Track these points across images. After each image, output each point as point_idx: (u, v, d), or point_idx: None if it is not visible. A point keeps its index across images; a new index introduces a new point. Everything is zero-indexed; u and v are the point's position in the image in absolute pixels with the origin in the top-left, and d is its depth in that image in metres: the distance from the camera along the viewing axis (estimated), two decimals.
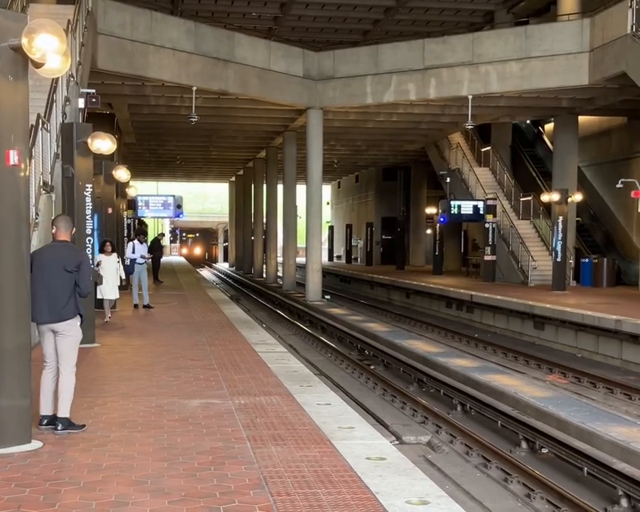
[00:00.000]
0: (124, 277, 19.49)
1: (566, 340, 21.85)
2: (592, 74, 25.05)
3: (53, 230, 8.42)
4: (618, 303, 23.29)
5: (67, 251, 8.09)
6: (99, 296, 17.07)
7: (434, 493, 6.07)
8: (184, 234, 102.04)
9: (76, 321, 8.03)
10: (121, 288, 19.29)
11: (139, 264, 21.73)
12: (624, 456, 9.81)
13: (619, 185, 28.40)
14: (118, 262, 18.19)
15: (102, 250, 17.58)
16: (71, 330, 7.97)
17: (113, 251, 17.93)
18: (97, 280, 15.90)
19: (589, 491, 9.85)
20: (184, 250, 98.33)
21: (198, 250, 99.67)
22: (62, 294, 7.89)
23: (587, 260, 31.28)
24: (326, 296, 34.27)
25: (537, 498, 9.51)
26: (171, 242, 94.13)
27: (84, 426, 7.94)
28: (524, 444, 11.73)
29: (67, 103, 16.67)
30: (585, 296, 25.95)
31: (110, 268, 17.69)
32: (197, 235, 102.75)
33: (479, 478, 10.56)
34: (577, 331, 21.25)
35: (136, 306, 21.20)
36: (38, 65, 7.25)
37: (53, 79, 14.49)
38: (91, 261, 14.78)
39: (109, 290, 17.67)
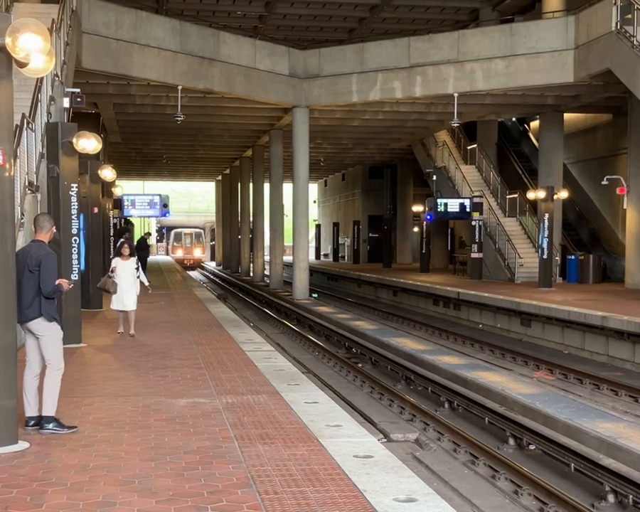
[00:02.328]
0: (147, 284, 16.96)
1: (553, 337, 21.91)
2: (577, 71, 25.15)
3: (33, 230, 8.41)
4: (604, 299, 23.38)
5: (33, 250, 8.01)
6: (114, 307, 15.46)
7: (421, 490, 6.07)
8: (179, 231, 77.24)
9: (47, 321, 7.93)
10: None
11: None
12: (610, 452, 9.85)
13: (604, 182, 28.53)
14: (137, 267, 15.66)
15: (118, 253, 15.72)
16: (44, 330, 7.91)
17: (132, 255, 15.60)
18: (111, 289, 14.81)
19: (577, 487, 9.88)
20: (179, 252, 74.22)
21: (198, 252, 75.52)
22: (26, 293, 7.85)
23: (573, 257, 31.38)
24: (314, 295, 34.26)
25: (525, 494, 9.54)
26: (158, 241, 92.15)
27: (75, 427, 7.91)
28: (511, 441, 11.76)
29: (52, 103, 16.60)
30: (571, 292, 26.03)
31: (127, 275, 15.30)
32: (198, 230, 79.37)
33: (467, 475, 10.58)
34: (564, 327, 21.32)
35: None
36: (22, 65, 7.21)
37: (38, 78, 14.41)
38: (77, 261, 14.76)
39: (126, 300, 15.27)
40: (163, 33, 25.50)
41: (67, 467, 6.71)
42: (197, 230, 78.22)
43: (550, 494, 9.28)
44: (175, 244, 76.01)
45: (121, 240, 16.99)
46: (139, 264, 15.93)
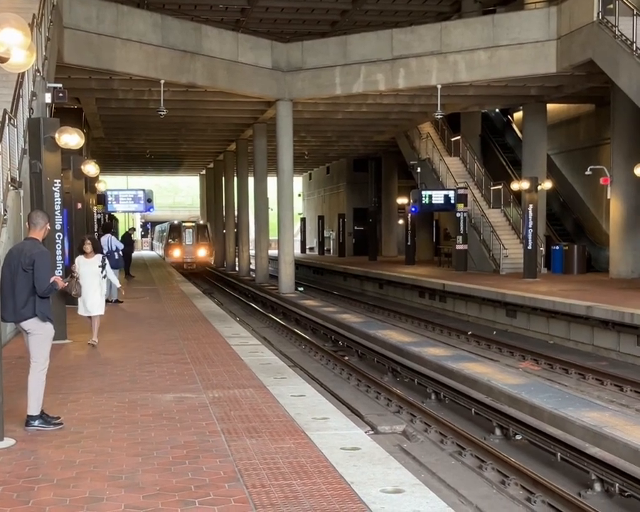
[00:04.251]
0: (118, 285, 15.80)
1: (538, 328, 21.99)
2: (560, 62, 25.21)
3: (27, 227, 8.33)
4: (588, 289, 23.47)
5: (27, 248, 7.95)
6: (80, 313, 13.81)
7: (408, 481, 6.08)
8: (175, 223, 54.88)
9: (41, 321, 7.88)
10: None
11: (117, 259, 21.67)
12: (596, 440, 9.89)
13: (587, 173, 28.62)
14: (103, 265, 13.68)
15: (80, 250, 13.95)
16: (38, 328, 7.87)
17: (96, 251, 13.71)
18: (72, 291, 11.26)
19: (563, 476, 9.92)
20: (176, 253, 51.93)
21: (202, 252, 52.28)
22: (21, 292, 7.79)
23: (557, 247, 31.49)
24: (299, 288, 34.26)
25: (512, 484, 9.57)
26: (142, 236, 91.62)
27: (60, 423, 7.87)
28: (498, 431, 11.80)
29: (34, 98, 16.49)
30: (556, 283, 26.12)
31: (90, 275, 13.34)
32: (202, 222, 57.94)
33: (454, 466, 10.61)
34: (549, 317, 21.40)
35: (115, 301, 20.92)
36: (2, 60, 7.18)
37: (19, 74, 14.31)
38: (61, 257, 14.67)
39: (90, 303, 13.45)
40: (144, 27, 25.40)
41: (54, 463, 6.68)
42: (200, 222, 57.39)
43: (536, 484, 9.32)
44: (171, 241, 52.37)
45: (84, 235, 14.95)
46: (106, 261, 13.91)
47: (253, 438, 7.32)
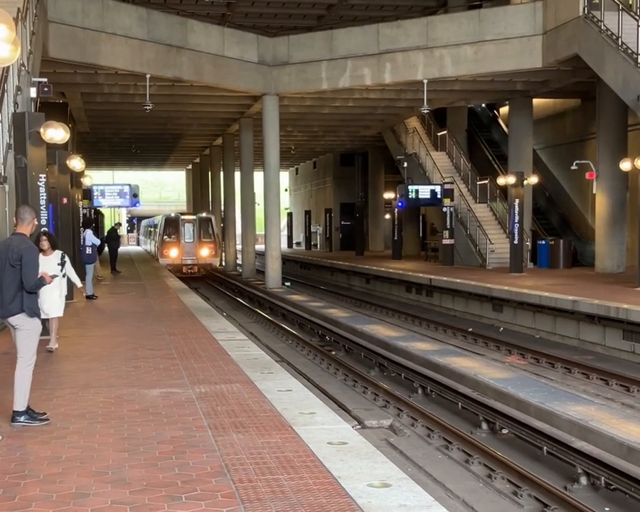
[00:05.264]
0: (79, 285, 14.62)
1: (524, 322, 22.05)
2: (546, 57, 25.26)
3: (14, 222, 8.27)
4: (574, 284, 23.54)
5: (14, 244, 7.88)
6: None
7: (395, 475, 6.08)
8: (171, 216, 43.84)
9: (29, 317, 7.84)
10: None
11: (89, 254, 21.58)
12: (582, 434, 9.93)
13: (573, 167, 28.74)
14: (62, 263, 12.53)
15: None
16: (25, 324, 7.83)
17: (54, 248, 12.44)
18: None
19: (549, 470, 9.95)
20: (173, 253, 41.73)
21: (206, 252, 42.04)
22: (8, 288, 7.74)
23: (543, 242, 31.57)
24: (286, 283, 34.24)
25: (498, 478, 9.60)
26: (129, 231, 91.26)
27: (46, 419, 7.84)
28: (484, 425, 11.83)
29: (19, 93, 16.40)
30: (542, 277, 26.20)
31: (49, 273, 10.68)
32: (205, 215, 44.79)
33: (441, 460, 10.63)
34: (535, 312, 21.45)
35: (89, 296, 20.83)
36: None
37: (4, 68, 14.24)
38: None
39: (48, 305, 11.94)
40: (130, 21, 25.30)
41: (40, 459, 6.65)
42: (203, 215, 44.90)
43: (523, 477, 9.35)
44: (166, 238, 42.40)
45: (41, 230, 12.98)
46: (66, 258, 12.73)
47: (240, 433, 7.30)
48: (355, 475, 6.03)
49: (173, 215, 44.17)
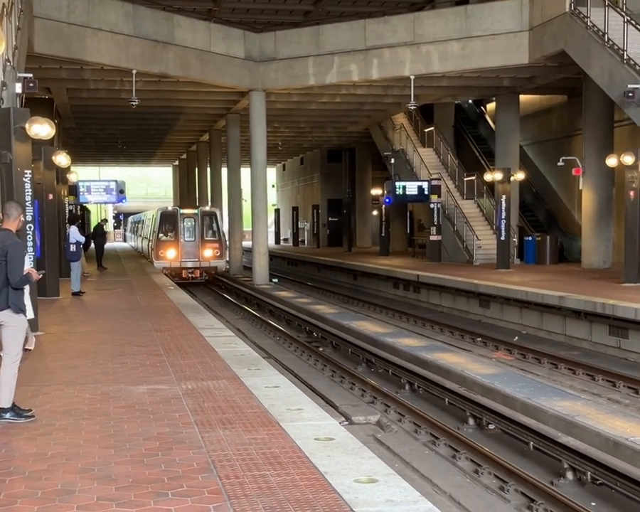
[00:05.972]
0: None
1: (511, 318, 22.09)
2: (532, 53, 25.30)
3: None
4: (561, 279, 23.61)
5: (0, 240, 7.82)
6: None
7: (382, 471, 6.08)
8: (168, 211, 37.29)
9: (14, 313, 7.79)
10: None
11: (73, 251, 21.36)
12: (568, 429, 9.95)
13: (560, 163, 28.79)
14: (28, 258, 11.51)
15: None
16: (11, 320, 7.78)
17: None
18: None
19: (536, 465, 9.98)
20: (170, 254, 35.58)
21: (209, 253, 35.74)
22: None
23: (530, 238, 31.65)
24: (274, 280, 34.19)
25: (485, 473, 9.62)
26: (115, 227, 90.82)
27: (32, 416, 7.81)
28: (471, 421, 11.85)
29: (4, 88, 16.28)
30: (529, 273, 26.26)
31: None
32: (209, 209, 38.41)
33: (428, 456, 10.64)
34: (522, 308, 21.50)
35: (75, 293, 20.74)
36: None
37: None
38: (32, 249, 14.55)
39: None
40: (116, 16, 25.20)
41: (25, 456, 6.62)
42: (206, 209, 38.70)
43: (509, 473, 9.37)
44: (162, 237, 36.35)
45: None
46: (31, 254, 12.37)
47: (227, 429, 7.29)
48: (342, 471, 6.03)
49: (170, 208, 38.48)
